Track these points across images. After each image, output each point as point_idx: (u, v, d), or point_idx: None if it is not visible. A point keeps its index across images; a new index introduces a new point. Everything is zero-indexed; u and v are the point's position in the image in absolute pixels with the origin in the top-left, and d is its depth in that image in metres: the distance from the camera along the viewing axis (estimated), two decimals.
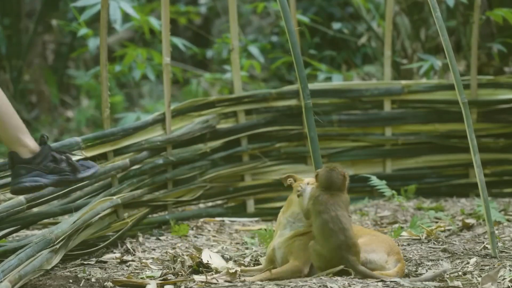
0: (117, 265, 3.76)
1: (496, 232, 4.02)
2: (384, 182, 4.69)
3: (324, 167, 3.37)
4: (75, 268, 3.69)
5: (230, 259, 3.81)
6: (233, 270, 3.39)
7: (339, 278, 3.18)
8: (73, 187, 3.92)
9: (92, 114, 8.69)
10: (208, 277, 3.36)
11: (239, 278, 3.38)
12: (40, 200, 3.72)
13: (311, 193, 3.36)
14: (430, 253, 3.72)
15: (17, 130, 3.41)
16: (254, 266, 3.69)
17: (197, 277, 3.39)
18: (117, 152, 4.29)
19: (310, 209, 3.33)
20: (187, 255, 3.67)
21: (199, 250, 3.82)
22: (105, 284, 3.31)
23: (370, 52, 7.45)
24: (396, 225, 4.45)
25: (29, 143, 3.43)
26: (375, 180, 4.67)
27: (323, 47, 7.63)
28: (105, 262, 3.82)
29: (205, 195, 4.87)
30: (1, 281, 2.95)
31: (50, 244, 3.42)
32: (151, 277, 3.48)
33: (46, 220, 4.28)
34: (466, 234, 4.16)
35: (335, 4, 7.98)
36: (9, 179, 3.63)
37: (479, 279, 3.20)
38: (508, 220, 4.32)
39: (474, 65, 5.19)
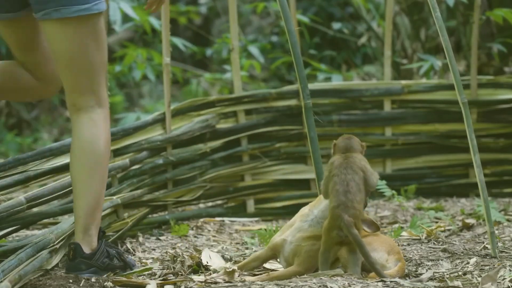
0: None
1: (496, 232, 4.02)
2: (384, 182, 4.68)
3: (340, 137, 3.38)
4: None
5: (230, 259, 3.81)
6: (231, 269, 3.39)
7: (339, 278, 3.18)
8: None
9: None
10: (208, 277, 3.36)
11: (239, 278, 3.38)
12: (40, 200, 3.71)
13: (329, 162, 3.37)
14: (430, 253, 3.72)
15: (95, 221, 3.35)
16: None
17: (196, 277, 3.39)
18: (117, 152, 4.29)
19: (327, 176, 3.32)
20: (187, 255, 3.67)
21: (199, 251, 3.82)
22: (105, 284, 3.31)
23: (370, 52, 7.46)
24: (396, 225, 4.46)
25: (94, 239, 3.37)
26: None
27: (323, 47, 7.63)
28: None
29: (205, 195, 4.87)
30: (1, 281, 2.95)
31: (50, 244, 3.42)
32: (151, 277, 3.48)
33: (46, 220, 4.28)
34: (466, 234, 4.16)
35: (335, 4, 7.98)
36: (9, 180, 3.64)
37: (479, 279, 3.19)
38: (508, 220, 4.32)
39: (474, 65, 5.19)
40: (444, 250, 3.74)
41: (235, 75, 4.99)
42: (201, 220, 4.74)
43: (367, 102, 5.21)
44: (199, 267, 3.56)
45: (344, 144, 3.35)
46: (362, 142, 3.38)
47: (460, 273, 3.37)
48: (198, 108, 4.82)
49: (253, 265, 3.52)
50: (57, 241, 3.46)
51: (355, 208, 3.22)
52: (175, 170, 4.68)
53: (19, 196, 3.64)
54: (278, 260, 3.50)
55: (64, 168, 3.89)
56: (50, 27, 3.26)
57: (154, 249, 4.10)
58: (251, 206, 4.99)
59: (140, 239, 4.30)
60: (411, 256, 3.67)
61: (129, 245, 4.13)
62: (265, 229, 4.12)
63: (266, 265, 3.58)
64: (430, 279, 3.29)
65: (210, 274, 3.46)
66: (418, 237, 4.02)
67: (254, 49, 6.83)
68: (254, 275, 3.44)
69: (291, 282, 3.16)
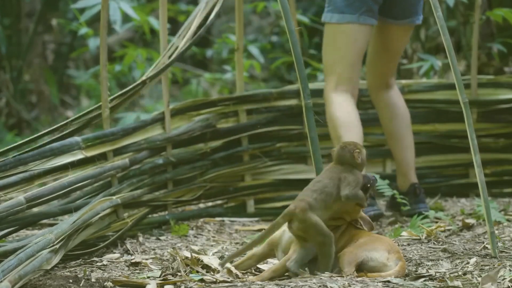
0: (117, 265, 3.76)
1: (496, 232, 4.02)
2: (386, 181, 4.67)
3: (338, 146, 3.47)
4: (75, 268, 3.69)
5: None
6: (231, 269, 3.40)
7: (339, 278, 3.18)
8: (72, 187, 3.93)
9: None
10: (207, 277, 3.36)
11: (239, 277, 3.38)
12: (40, 200, 3.71)
13: None
14: (430, 253, 3.72)
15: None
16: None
17: (196, 277, 3.39)
18: (117, 152, 4.29)
19: None
20: (186, 255, 3.66)
21: (198, 253, 3.82)
22: (105, 284, 3.31)
23: None
24: (396, 225, 4.46)
25: None
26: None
27: None
28: (105, 262, 3.82)
29: (205, 195, 4.87)
30: (1, 281, 2.95)
31: (50, 244, 3.42)
32: (151, 277, 3.48)
33: (46, 220, 4.27)
34: (466, 234, 4.16)
35: None
36: (9, 180, 3.64)
37: (479, 279, 3.20)
38: (508, 220, 4.32)
39: (474, 65, 5.19)
40: (444, 250, 3.74)
41: (238, 75, 4.99)
42: (201, 220, 4.74)
43: (367, 102, 5.20)
44: (199, 267, 3.56)
45: (337, 155, 3.44)
46: (356, 149, 3.40)
47: (460, 273, 3.37)
48: (198, 108, 4.81)
49: (248, 263, 3.53)
50: (57, 241, 3.46)
51: (303, 200, 3.32)
52: (175, 170, 4.67)
53: (19, 196, 3.64)
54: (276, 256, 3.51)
55: (64, 168, 3.90)
56: (405, 31, 4.63)
57: (154, 249, 4.10)
58: (251, 206, 4.99)
59: (140, 239, 4.30)
60: (411, 256, 3.67)
61: (129, 245, 4.13)
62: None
63: (261, 266, 3.58)
64: (430, 279, 3.29)
65: (211, 274, 3.46)
66: (418, 237, 4.02)
67: (254, 49, 6.83)
68: (254, 275, 3.44)
69: (291, 282, 3.16)
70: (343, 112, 4.50)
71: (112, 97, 4.29)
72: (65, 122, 4.08)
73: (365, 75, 4.90)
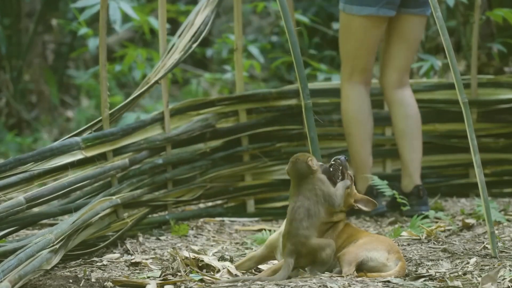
0: (117, 265, 3.76)
1: (496, 232, 4.01)
2: (385, 182, 4.66)
3: (289, 162, 3.39)
4: (75, 268, 3.69)
5: (230, 259, 3.81)
6: (232, 268, 3.40)
7: (339, 278, 3.18)
8: (72, 187, 3.93)
9: (92, 114, 8.70)
10: (207, 277, 3.36)
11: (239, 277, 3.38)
12: (40, 200, 3.71)
13: None
14: (430, 253, 3.72)
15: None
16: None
17: (196, 277, 3.39)
18: (116, 152, 4.29)
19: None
20: (186, 255, 3.66)
21: (198, 253, 3.82)
22: (105, 284, 3.31)
23: None
24: (396, 225, 4.46)
25: None
26: (376, 180, 4.65)
27: (323, 47, 7.63)
28: (105, 262, 3.82)
29: (205, 195, 4.87)
30: (1, 281, 2.95)
31: (50, 244, 3.41)
32: (151, 277, 3.48)
33: (46, 220, 4.27)
34: (466, 234, 4.16)
35: (335, 4, 7.98)
36: (9, 180, 3.64)
37: (479, 279, 3.20)
38: (508, 220, 4.32)
39: (474, 65, 5.19)
40: (444, 250, 3.74)
41: (238, 75, 4.99)
42: (201, 220, 4.73)
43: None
44: (199, 267, 3.56)
45: (293, 172, 3.37)
46: (309, 158, 3.36)
47: (460, 273, 3.37)
48: (198, 108, 4.81)
49: (248, 265, 3.53)
50: (57, 241, 3.46)
51: (298, 235, 3.26)
52: (175, 170, 4.67)
53: (19, 196, 3.64)
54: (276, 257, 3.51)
55: (64, 168, 3.90)
56: (420, 20, 4.68)
57: (154, 249, 4.10)
58: (251, 206, 4.99)
59: (140, 239, 4.30)
60: (411, 256, 3.67)
61: (129, 245, 4.13)
62: (265, 230, 4.12)
63: (261, 266, 3.58)
64: (430, 279, 3.29)
65: (211, 274, 3.46)
66: (418, 237, 4.02)
67: (254, 49, 6.83)
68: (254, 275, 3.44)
69: (291, 282, 3.16)
70: (354, 109, 4.67)
71: (119, 105, 4.29)
72: (70, 135, 4.08)
73: (379, 73, 4.89)
